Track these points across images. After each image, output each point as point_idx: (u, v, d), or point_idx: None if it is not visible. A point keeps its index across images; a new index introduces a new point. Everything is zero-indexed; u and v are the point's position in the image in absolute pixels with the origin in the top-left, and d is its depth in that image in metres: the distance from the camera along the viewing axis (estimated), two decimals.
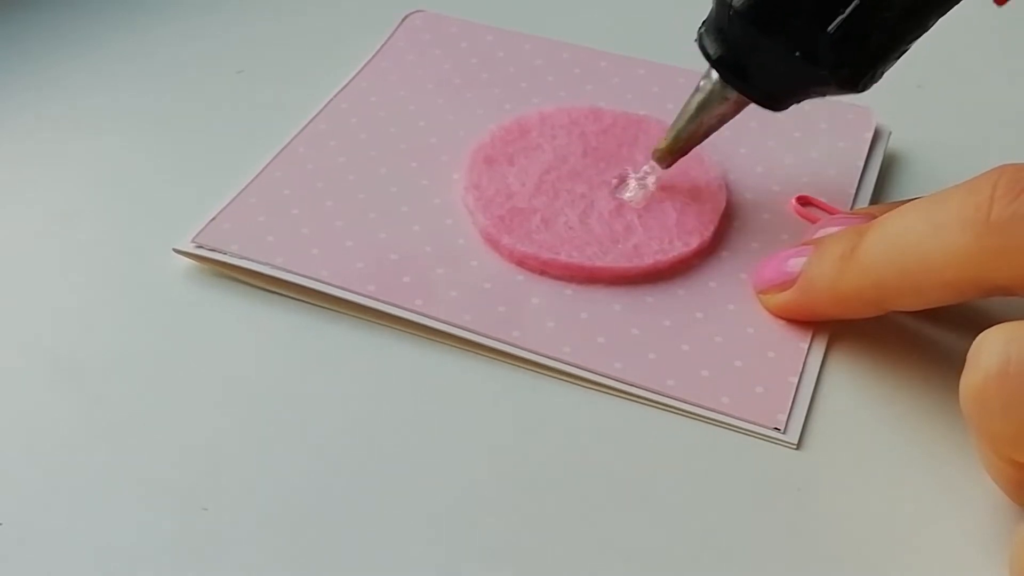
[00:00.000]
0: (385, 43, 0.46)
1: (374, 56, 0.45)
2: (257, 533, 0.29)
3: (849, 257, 0.32)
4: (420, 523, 0.30)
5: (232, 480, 0.31)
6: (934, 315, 0.35)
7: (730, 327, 0.35)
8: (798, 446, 0.32)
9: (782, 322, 0.35)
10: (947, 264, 0.29)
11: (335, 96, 0.43)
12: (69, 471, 0.31)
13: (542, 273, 0.36)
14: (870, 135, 0.42)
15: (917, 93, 0.46)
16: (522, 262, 0.36)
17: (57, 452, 0.31)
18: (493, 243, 0.37)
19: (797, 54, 0.33)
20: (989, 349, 0.26)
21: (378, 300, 0.35)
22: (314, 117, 0.42)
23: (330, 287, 0.35)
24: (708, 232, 0.37)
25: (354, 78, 0.44)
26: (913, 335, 0.35)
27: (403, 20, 0.47)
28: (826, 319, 0.35)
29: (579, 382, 0.33)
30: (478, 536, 0.30)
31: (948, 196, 0.30)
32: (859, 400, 0.33)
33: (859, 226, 0.33)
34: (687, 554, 0.29)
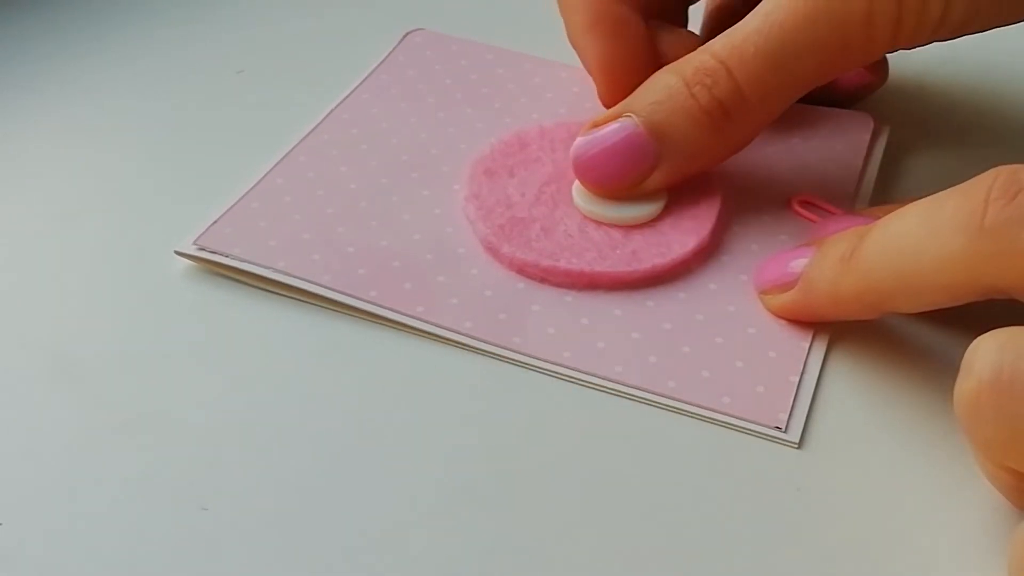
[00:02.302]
0: (385, 58, 0.46)
1: (374, 70, 0.46)
2: (257, 533, 0.29)
3: (848, 259, 0.32)
4: (420, 524, 0.30)
5: (232, 480, 0.31)
6: (935, 316, 0.35)
7: (731, 328, 0.35)
8: (799, 445, 0.32)
9: (783, 322, 0.35)
10: (943, 268, 0.29)
11: (336, 107, 0.43)
12: (69, 471, 0.31)
13: (542, 281, 0.36)
14: (868, 136, 0.42)
15: (917, 93, 0.46)
16: (522, 270, 0.36)
17: (57, 452, 0.31)
18: (493, 251, 0.37)
19: None
20: (982, 357, 0.26)
21: (379, 306, 0.35)
22: (315, 127, 0.42)
23: (332, 292, 0.35)
24: (707, 234, 0.37)
25: (355, 90, 0.44)
26: (914, 336, 0.35)
27: (403, 38, 0.48)
28: (827, 320, 0.35)
29: (580, 384, 0.33)
30: (479, 537, 0.29)
31: (944, 200, 0.30)
32: (860, 400, 0.33)
33: (859, 228, 0.33)
34: (687, 554, 0.29)
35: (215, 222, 0.37)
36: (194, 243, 0.37)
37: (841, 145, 0.42)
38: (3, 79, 0.45)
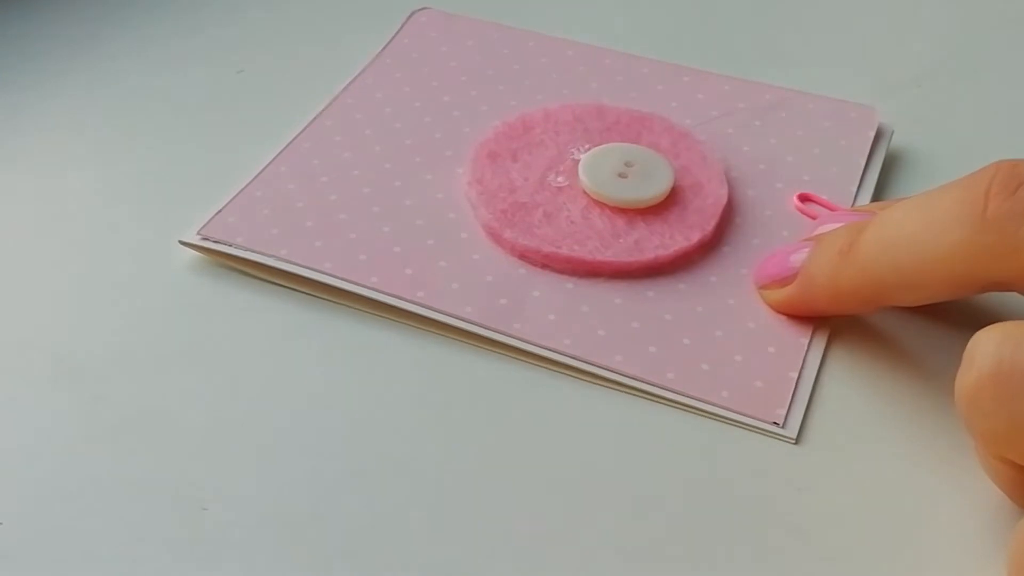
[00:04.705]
0: (391, 41, 0.46)
1: (379, 53, 0.45)
2: (257, 533, 0.29)
3: (847, 253, 0.32)
4: (420, 519, 0.30)
5: (232, 479, 0.31)
6: (935, 311, 0.35)
7: (731, 322, 0.35)
8: (797, 441, 0.32)
9: (783, 317, 0.35)
10: (942, 260, 0.29)
11: (341, 93, 0.43)
12: (69, 471, 0.31)
13: (544, 267, 0.36)
14: (872, 133, 0.42)
15: (917, 92, 0.46)
16: (524, 256, 0.37)
17: (57, 452, 0.31)
18: (495, 237, 0.37)
19: None
20: (983, 349, 0.26)
21: (380, 292, 0.35)
22: (320, 113, 0.42)
23: (333, 279, 0.35)
24: (709, 227, 0.37)
25: (359, 75, 0.44)
26: (914, 331, 0.35)
27: (409, 18, 0.48)
28: (826, 315, 0.35)
29: (579, 375, 0.33)
30: (478, 532, 0.30)
31: (944, 192, 0.30)
32: (859, 396, 0.33)
33: (858, 222, 0.33)
34: (685, 552, 0.29)
35: (219, 211, 0.37)
36: (197, 233, 0.37)
37: (844, 141, 0.42)
38: (3, 79, 0.45)
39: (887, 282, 0.31)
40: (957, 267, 0.29)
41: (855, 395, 0.33)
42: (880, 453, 0.32)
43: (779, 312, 0.35)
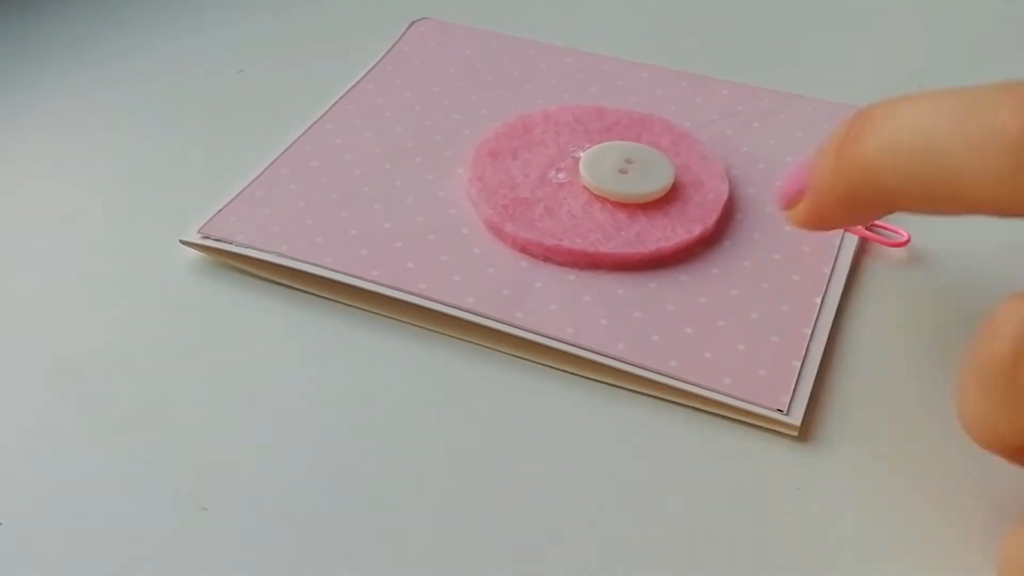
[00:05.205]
0: (391, 49, 0.47)
1: (380, 60, 0.46)
2: (257, 533, 0.29)
3: (847, 149, 0.28)
4: (420, 519, 0.30)
5: (232, 479, 0.30)
6: (938, 307, 0.35)
7: (733, 312, 0.35)
8: (799, 434, 0.32)
9: (785, 308, 0.35)
10: (979, 184, 0.24)
11: (341, 97, 0.43)
12: (69, 471, 0.31)
13: (545, 260, 0.36)
14: None
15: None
16: (525, 249, 0.37)
17: (57, 452, 0.31)
18: (496, 231, 0.37)
19: None
20: (1014, 317, 0.24)
21: (382, 285, 0.35)
22: (320, 118, 0.42)
23: (334, 273, 0.35)
24: (711, 221, 0.37)
25: (360, 81, 0.44)
26: (918, 323, 0.35)
27: (409, 27, 0.48)
28: (844, 226, 0.32)
29: (581, 368, 0.33)
30: (478, 532, 0.29)
31: (980, 100, 0.25)
32: (861, 388, 0.33)
33: (862, 111, 0.28)
34: (684, 550, 0.29)
35: (220, 211, 0.38)
36: (198, 231, 0.37)
37: None
38: (3, 79, 0.46)
39: (900, 190, 0.27)
40: (996, 196, 0.24)
41: (857, 388, 0.33)
42: (881, 452, 0.31)
43: (802, 228, 0.31)
